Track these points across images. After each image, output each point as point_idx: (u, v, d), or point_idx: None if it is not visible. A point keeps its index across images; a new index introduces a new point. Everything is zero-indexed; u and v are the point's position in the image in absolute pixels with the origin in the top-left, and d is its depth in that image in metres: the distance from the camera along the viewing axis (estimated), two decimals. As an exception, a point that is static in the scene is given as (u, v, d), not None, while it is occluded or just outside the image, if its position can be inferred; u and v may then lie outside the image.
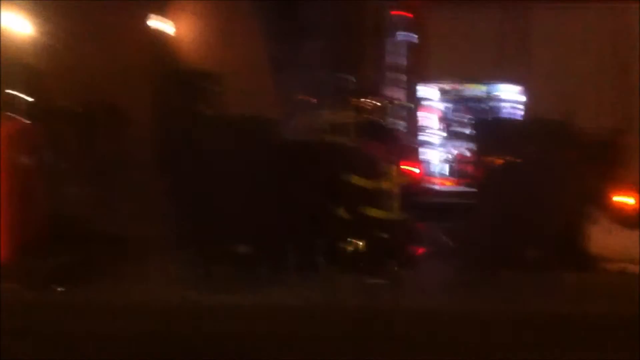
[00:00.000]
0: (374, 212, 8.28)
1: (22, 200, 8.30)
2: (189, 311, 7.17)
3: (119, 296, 7.59)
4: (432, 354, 6.21)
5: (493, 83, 12.30)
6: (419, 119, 12.10)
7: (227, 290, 7.63)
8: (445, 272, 8.69)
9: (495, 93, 12.18)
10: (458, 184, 11.85)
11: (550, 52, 11.89)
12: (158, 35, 18.29)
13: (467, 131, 11.82)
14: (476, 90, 12.25)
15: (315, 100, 13.31)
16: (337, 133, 10.89)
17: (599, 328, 6.70)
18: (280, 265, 8.11)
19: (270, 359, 6.18)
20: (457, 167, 12.05)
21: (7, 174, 8.27)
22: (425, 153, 11.90)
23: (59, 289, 7.67)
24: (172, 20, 18.52)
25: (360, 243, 8.13)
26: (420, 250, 8.63)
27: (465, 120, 12.06)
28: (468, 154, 11.64)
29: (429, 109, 12.23)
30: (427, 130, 12.15)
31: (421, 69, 12.17)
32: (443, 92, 12.33)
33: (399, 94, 12.88)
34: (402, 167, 8.75)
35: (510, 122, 11.75)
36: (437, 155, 12.18)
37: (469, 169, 11.16)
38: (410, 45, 12.22)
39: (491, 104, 12.16)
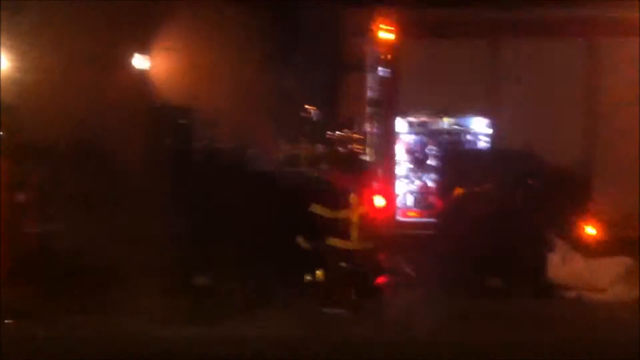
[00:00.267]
0: (334, 242, 8.35)
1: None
2: (149, 342, 7.17)
3: (79, 327, 7.59)
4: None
5: (461, 116, 12.44)
6: (386, 150, 12.21)
7: (187, 322, 7.64)
8: (405, 301, 8.75)
9: (463, 126, 12.33)
10: (421, 215, 11.93)
11: (517, 86, 12.09)
12: (134, 69, 18.47)
13: (433, 163, 11.92)
14: (444, 123, 12.39)
15: (286, 133, 13.44)
16: (305, 164, 11.00)
17: (555, 354, 6.78)
18: (240, 295, 8.14)
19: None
20: (421, 198, 12.14)
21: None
22: (391, 184, 11.99)
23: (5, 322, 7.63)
24: (149, 54, 18.72)
25: (320, 272, 8.16)
26: (381, 280, 8.66)
27: (431, 153, 12.17)
28: (432, 185, 11.74)
29: (396, 141, 12.35)
30: (393, 162, 12.26)
31: (391, 103, 12.33)
32: (411, 125, 12.46)
33: (367, 127, 13.01)
34: (365, 197, 8.80)
35: (473, 154, 11.89)
36: (402, 186, 12.27)
37: (433, 200, 11.25)
38: (382, 80, 12.38)
39: (458, 136, 12.30)
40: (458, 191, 9.00)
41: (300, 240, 8.42)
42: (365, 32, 12.45)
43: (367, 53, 13.26)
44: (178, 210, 8.57)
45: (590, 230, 9.23)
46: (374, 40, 12.72)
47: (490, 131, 12.21)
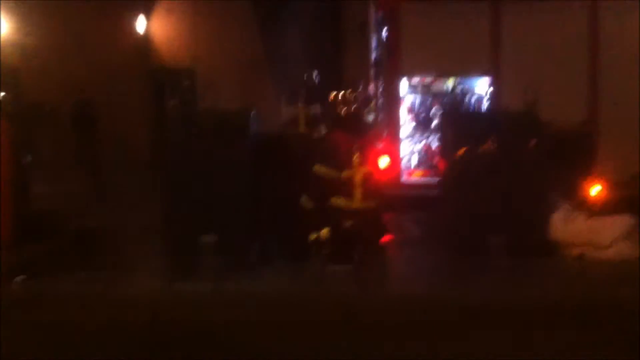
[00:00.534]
0: (337, 201, 8.39)
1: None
2: (157, 300, 7.26)
3: (89, 286, 7.68)
4: (397, 339, 6.29)
5: (465, 77, 12.42)
6: (389, 111, 12.21)
7: (194, 279, 7.74)
8: (409, 259, 8.84)
9: (465, 86, 12.31)
10: (425, 175, 11.99)
11: (519, 46, 12.05)
12: (135, 33, 18.44)
13: (436, 123, 11.92)
14: (446, 83, 12.36)
15: (288, 94, 13.46)
16: (308, 125, 11.01)
17: (556, 311, 6.84)
18: (245, 253, 8.22)
19: (238, 346, 6.25)
20: (425, 159, 12.18)
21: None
22: (395, 145, 12.01)
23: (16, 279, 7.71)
24: (148, 18, 18.67)
25: (325, 231, 8.22)
26: (385, 239, 8.72)
27: (434, 113, 12.17)
28: (436, 145, 11.74)
29: (400, 102, 12.34)
30: (397, 123, 12.26)
31: (394, 64, 12.29)
32: (415, 85, 12.44)
33: (370, 88, 13.01)
34: (369, 158, 8.81)
35: (477, 114, 11.89)
36: (406, 146, 12.29)
37: (437, 160, 11.26)
38: (385, 41, 12.35)
39: (460, 96, 12.29)
40: (462, 151, 8.98)
41: (304, 199, 8.46)
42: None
43: (371, 14, 13.22)
44: (183, 170, 8.61)
45: (594, 190, 9.23)
46: (377, 0, 12.68)
47: (494, 91, 12.20)
